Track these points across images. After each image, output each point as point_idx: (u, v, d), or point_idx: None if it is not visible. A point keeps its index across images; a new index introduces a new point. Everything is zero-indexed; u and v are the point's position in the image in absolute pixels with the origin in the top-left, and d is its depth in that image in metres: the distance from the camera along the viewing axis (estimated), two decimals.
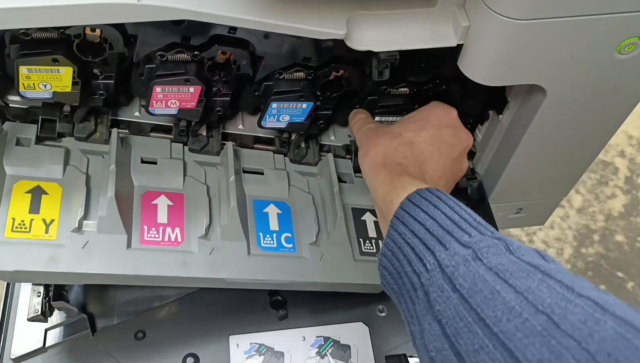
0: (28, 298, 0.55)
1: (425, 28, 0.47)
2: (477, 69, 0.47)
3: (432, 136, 0.50)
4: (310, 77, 0.52)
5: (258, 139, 0.60)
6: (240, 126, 0.60)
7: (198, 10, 0.41)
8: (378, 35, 0.46)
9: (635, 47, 0.45)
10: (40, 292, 0.55)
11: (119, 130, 0.53)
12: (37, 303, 0.54)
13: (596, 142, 0.57)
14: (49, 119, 0.52)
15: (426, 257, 0.37)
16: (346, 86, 0.54)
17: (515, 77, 0.47)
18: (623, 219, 1.43)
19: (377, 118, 0.58)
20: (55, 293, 0.54)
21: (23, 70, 0.46)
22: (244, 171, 0.57)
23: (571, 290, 0.30)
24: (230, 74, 0.50)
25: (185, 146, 0.57)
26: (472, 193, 0.65)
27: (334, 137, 0.63)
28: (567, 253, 1.37)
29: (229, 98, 0.54)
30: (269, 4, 0.42)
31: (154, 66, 0.49)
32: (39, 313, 0.54)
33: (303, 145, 0.61)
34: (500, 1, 0.41)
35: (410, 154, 0.48)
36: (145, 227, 0.51)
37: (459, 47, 0.47)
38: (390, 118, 0.59)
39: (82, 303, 0.56)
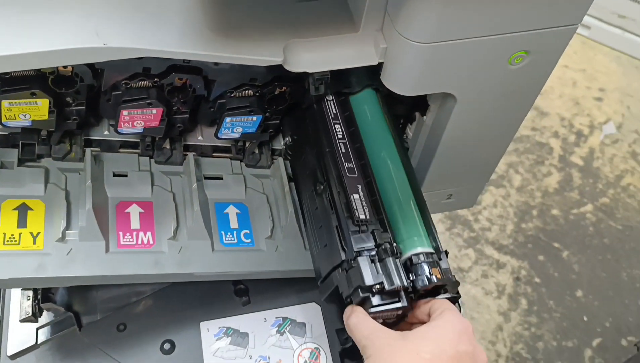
0: (18, 302, 0.62)
1: (351, 50, 0.55)
2: (397, 82, 0.56)
3: (451, 359, 0.46)
4: (257, 94, 0.60)
5: (216, 148, 0.68)
6: (200, 137, 0.67)
7: (155, 49, 0.48)
8: (311, 58, 0.54)
9: (522, 59, 0.55)
10: (29, 296, 0.61)
11: (92, 149, 0.61)
12: (27, 305, 0.61)
13: (505, 135, 0.66)
14: (29, 143, 0.59)
15: None
16: (289, 99, 0.62)
17: (428, 88, 0.56)
18: (558, 194, 1.56)
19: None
20: (43, 296, 0.61)
21: (5, 104, 0.52)
22: (205, 178, 0.65)
23: None
24: (187, 95, 0.58)
25: (151, 159, 0.64)
26: None
27: (284, 141, 0.71)
28: (509, 229, 1.49)
29: (187, 115, 0.61)
30: (215, 40, 0.50)
31: (120, 92, 0.56)
32: (30, 314, 0.61)
33: (256, 151, 0.69)
34: (407, 29, 0.50)
35: None
36: (121, 233, 0.58)
37: (380, 64, 0.56)
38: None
39: (67, 303, 0.63)
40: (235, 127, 0.62)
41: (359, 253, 0.51)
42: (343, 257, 0.52)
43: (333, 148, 0.59)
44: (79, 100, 0.57)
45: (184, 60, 0.54)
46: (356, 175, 0.57)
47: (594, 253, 1.47)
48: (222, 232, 0.62)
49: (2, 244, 0.53)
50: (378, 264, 0.51)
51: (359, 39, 0.55)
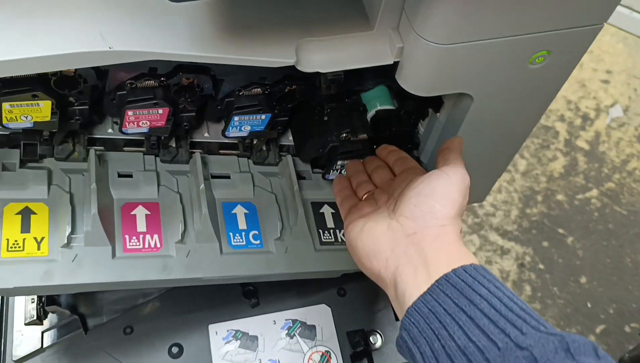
0: (23, 305, 0.60)
1: (365, 49, 0.53)
2: (412, 82, 0.54)
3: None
4: (267, 92, 0.58)
5: (223, 145, 0.66)
6: (206, 134, 0.65)
7: (163, 52, 0.46)
8: (324, 58, 0.52)
9: (544, 58, 0.53)
10: (34, 299, 0.60)
11: (96, 148, 0.59)
12: (32, 308, 0.60)
13: (521, 133, 0.65)
14: (30, 143, 0.57)
15: (494, 333, 0.35)
16: (299, 97, 0.60)
17: (445, 88, 0.54)
18: (563, 179, 1.54)
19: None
20: (48, 299, 0.60)
21: (6, 106, 0.50)
22: (212, 177, 0.63)
23: None
24: (195, 95, 0.56)
25: (157, 158, 0.63)
26: None
27: (292, 137, 0.69)
28: (514, 214, 1.48)
29: (194, 113, 0.59)
30: (224, 42, 0.48)
31: (125, 92, 0.54)
32: (35, 317, 0.60)
33: (264, 148, 0.67)
34: (426, 29, 0.48)
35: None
36: (127, 236, 0.56)
37: (395, 64, 0.54)
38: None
39: (73, 305, 0.62)
40: (243, 125, 0.60)
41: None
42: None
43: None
44: (82, 100, 0.54)
45: None
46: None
47: (598, 238, 1.47)
48: (230, 233, 0.61)
49: (5, 251, 0.52)
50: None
51: (373, 37, 0.53)
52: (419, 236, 0.44)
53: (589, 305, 1.36)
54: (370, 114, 0.64)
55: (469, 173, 0.72)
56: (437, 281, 0.39)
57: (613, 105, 1.67)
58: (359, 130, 0.61)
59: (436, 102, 0.63)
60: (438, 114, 0.65)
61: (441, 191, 0.47)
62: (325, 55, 0.52)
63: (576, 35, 0.51)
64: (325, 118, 0.62)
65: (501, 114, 0.59)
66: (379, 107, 0.63)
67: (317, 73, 0.55)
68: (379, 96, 0.64)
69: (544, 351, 0.33)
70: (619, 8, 1.80)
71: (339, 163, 0.63)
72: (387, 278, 0.44)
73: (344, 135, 0.61)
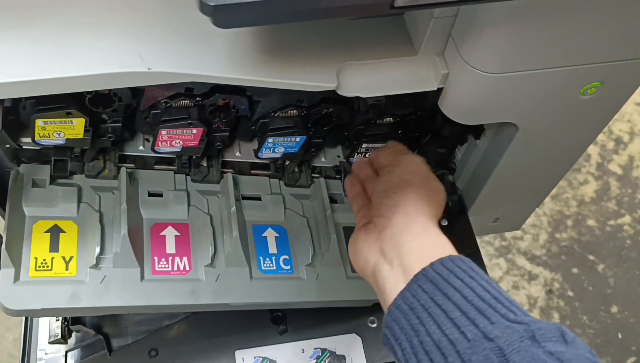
0: (47, 323, 0.59)
1: (408, 74, 0.51)
2: (455, 110, 0.52)
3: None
4: (303, 114, 0.57)
5: (255, 165, 0.64)
6: (238, 153, 0.64)
7: (201, 74, 0.44)
8: (366, 83, 0.50)
9: (596, 90, 0.50)
10: (58, 317, 0.59)
11: (126, 165, 0.58)
12: (56, 327, 0.59)
13: (566, 163, 0.62)
14: (61, 159, 0.56)
15: (465, 325, 0.36)
16: (336, 121, 0.58)
17: (490, 117, 0.52)
18: (594, 204, 1.50)
19: (364, 145, 0.62)
20: (72, 318, 0.59)
21: (39, 123, 0.49)
22: (243, 198, 0.62)
23: None
24: (229, 115, 0.54)
25: (187, 177, 0.61)
26: (453, 206, 0.71)
27: (325, 158, 0.67)
28: (542, 239, 1.45)
29: (227, 133, 0.58)
30: (264, 64, 0.46)
31: (159, 111, 0.53)
32: (59, 336, 0.58)
33: (296, 169, 0.65)
34: (475, 57, 0.46)
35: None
36: (156, 258, 0.55)
37: (439, 89, 0.52)
38: (377, 145, 0.63)
39: (97, 325, 0.61)
40: (277, 147, 0.59)
41: None
42: None
43: None
44: (115, 118, 0.53)
45: None
46: None
47: (631, 266, 1.42)
48: (261, 257, 0.59)
49: (33, 270, 0.51)
50: None
51: (417, 63, 0.51)
52: (389, 231, 0.45)
53: (619, 335, 1.32)
54: None
55: (508, 201, 0.69)
56: (415, 276, 0.40)
57: None
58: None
59: (477, 129, 0.61)
60: (478, 141, 0.63)
61: (403, 185, 0.48)
62: (367, 79, 0.50)
63: (631, 67, 0.49)
64: None
65: (547, 144, 0.57)
66: None
67: (355, 98, 0.54)
68: None
69: (510, 341, 0.33)
70: None
71: (364, 146, 0.61)
72: (369, 277, 0.46)
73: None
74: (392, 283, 0.42)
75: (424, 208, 0.46)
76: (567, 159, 0.61)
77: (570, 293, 1.37)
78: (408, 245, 0.43)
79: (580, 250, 1.43)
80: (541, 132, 0.54)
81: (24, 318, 0.61)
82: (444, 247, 0.43)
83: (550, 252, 1.42)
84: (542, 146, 0.56)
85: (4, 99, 0.48)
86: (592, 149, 1.58)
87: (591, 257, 1.42)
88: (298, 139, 0.58)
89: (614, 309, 1.36)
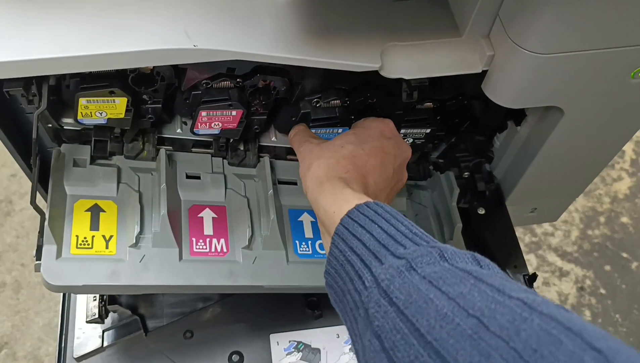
0: (85, 302, 0.60)
1: (452, 56, 0.50)
2: (501, 93, 0.51)
3: (374, 148, 0.50)
4: (346, 105, 0.56)
5: (290, 150, 0.64)
6: (274, 138, 0.64)
7: (247, 52, 0.44)
8: (409, 64, 0.50)
9: None
10: (95, 297, 0.60)
11: (165, 147, 0.58)
12: (93, 306, 0.59)
13: (610, 150, 0.61)
14: (101, 140, 0.56)
15: (364, 274, 0.37)
16: (379, 110, 0.57)
17: (536, 101, 0.51)
18: (628, 201, 1.47)
19: (402, 131, 0.62)
20: (109, 298, 0.59)
21: (82, 101, 0.50)
22: (279, 182, 0.62)
23: (502, 292, 0.30)
24: (269, 98, 0.54)
25: (224, 160, 0.61)
26: (490, 196, 0.69)
27: None
28: (574, 235, 1.42)
29: (266, 117, 0.58)
30: (309, 44, 0.46)
31: (200, 92, 0.53)
32: (96, 315, 0.59)
33: None
34: (524, 37, 0.45)
35: (353, 167, 0.47)
36: (194, 239, 0.55)
37: (483, 72, 0.51)
38: (415, 130, 0.62)
39: (133, 306, 0.61)
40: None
41: None
42: None
43: None
44: (155, 98, 0.54)
45: None
46: None
47: None
48: (297, 241, 0.59)
49: (75, 247, 0.51)
50: None
51: (461, 44, 0.50)
52: (310, 193, 0.47)
53: None
54: None
55: (547, 191, 0.68)
56: (337, 226, 0.41)
57: None
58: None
59: (519, 115, 0.60)
60: (519, 127, 0.61)
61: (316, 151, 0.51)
62: (411, 61, 0.50)
63: None
64: None
65: (592, 130, 0.55)
66: None
67: (398, 81, 0.53)
68: None
69: (419, 258, 0.35)
70: None
71: (402, 131, 0.60)
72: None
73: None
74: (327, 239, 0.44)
75: (330, 168, 0.48)
76: (611, 146, 0.59)
77: (603, 291, 1.34)
78: (323, 199, 0.46)
79: (613, 247, 1.40)
80: (587, 117, 0.53)
81: (61, 298, 0.62)
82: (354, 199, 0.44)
83: (582, 249, 1.39)
84: (586, 131, 0.55)
85: (49, 78, 0.48)
86: (627, 146, 1.54)
87: (624, 255, 1.39)
88: (340, 131, 0.58)
89: None
